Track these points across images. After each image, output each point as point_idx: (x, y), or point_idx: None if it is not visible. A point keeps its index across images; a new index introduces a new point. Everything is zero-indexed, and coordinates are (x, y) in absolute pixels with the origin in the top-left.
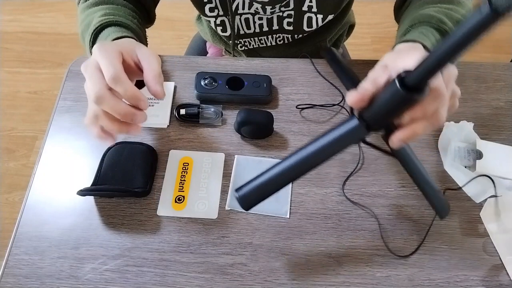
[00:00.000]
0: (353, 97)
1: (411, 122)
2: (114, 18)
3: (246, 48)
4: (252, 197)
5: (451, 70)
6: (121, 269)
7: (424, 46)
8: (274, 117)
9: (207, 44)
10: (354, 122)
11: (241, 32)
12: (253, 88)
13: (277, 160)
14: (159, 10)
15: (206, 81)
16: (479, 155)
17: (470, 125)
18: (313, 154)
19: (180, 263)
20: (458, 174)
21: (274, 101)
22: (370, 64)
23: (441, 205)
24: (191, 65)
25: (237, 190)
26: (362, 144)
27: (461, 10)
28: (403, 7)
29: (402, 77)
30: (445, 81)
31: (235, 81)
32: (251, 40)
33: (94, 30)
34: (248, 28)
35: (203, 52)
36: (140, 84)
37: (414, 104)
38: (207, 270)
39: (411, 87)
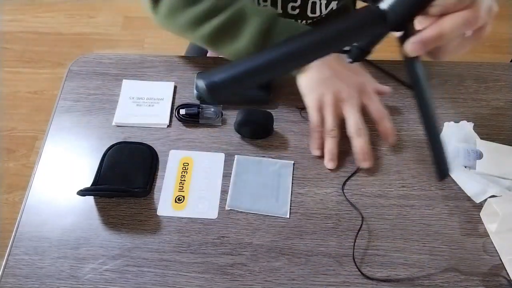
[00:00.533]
0: None
1: (441, 16)
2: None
3: None
4: (225, 86)
5: None
6: (121, 269)
7: None
8: (274, 117)
9: None
10: (371, 9)
11: None
12: (253, 88)
13: (277, 160)
14: None
15: None
16: (479, 155)
17: (470, 125)
18: (314, 41)
19: (180, 263)
20: (458, 174)
21: (274, 101)
22: (370, 64)
23: (443, 163)
24: (191, 65)
25: (202, 75)
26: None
27: None
28: None
29: None
30: None
31: None
32: None
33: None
34: None
35: (203, 52)
36: None
37: None
38: (207, 270)
39: None
